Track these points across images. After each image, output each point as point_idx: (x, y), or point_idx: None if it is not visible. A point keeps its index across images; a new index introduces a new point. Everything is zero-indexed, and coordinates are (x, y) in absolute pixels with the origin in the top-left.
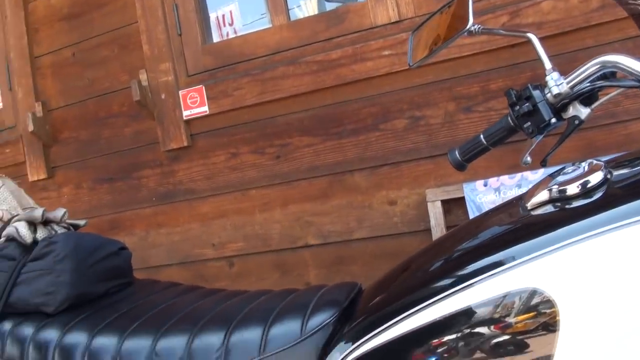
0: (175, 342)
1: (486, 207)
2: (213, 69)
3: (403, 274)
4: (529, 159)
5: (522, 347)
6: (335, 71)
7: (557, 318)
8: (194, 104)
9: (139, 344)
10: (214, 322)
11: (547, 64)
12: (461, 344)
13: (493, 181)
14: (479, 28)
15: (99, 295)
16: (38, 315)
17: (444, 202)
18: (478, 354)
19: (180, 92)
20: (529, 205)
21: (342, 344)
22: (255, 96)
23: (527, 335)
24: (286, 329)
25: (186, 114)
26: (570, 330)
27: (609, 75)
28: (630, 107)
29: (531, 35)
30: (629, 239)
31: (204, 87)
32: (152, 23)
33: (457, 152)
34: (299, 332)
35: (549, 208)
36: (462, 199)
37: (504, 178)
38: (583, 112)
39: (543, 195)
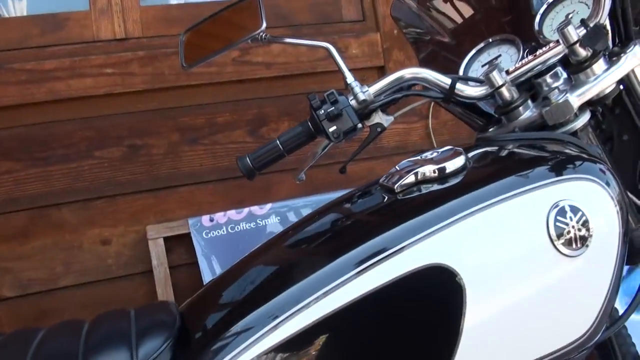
0: None
1: (213, 244)
2: None
3: (249, 274)
4: (303, 175)
5: (431, 326)
6: (48, 84)
7: (462, 288)
8: None
9: None
10: None
11: (348, 74)
12: (364, 332)
13: (220, 216)
14: (267, 35)
15: None
16: None
17: (167, 240)
18: (386, 341)
19: None
20: (397, 187)
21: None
22: None
23: (436, 313)
24: None
25: None
26: (476, 300)
27: (411, 87)
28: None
29: (328, 46)
30: (508, 210)
31: None
32: None
33: (248, 159)
34: None
35: (419, 189)
36: (187, 235)
37: (231, 213)
38: (386, 119)
39: (410, 178)
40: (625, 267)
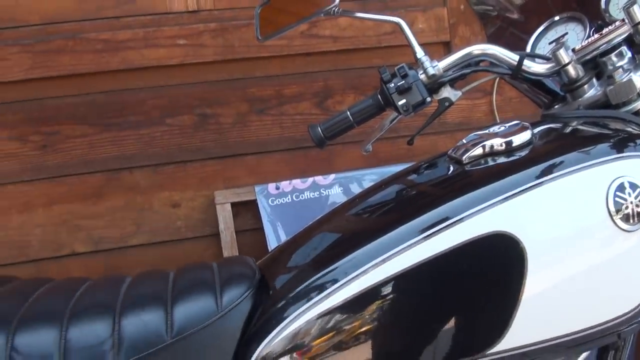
0: (38, 338)
1: (278, 211)
2: None
3: (322, 235)
4: (370, 147)
5: (491, 292)
6: (122, 54)
7: (524, 257)
8: None
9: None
10: (88, 311)
11: (418, 49)
12: (424, 296)
13: (285, 184)
14: (339, 9)
15: None
16: None
17: (234, 205)
18: (445, 305)
19: None
20: (465, 158)
21: (275, 315)
22: (23, 71)
23: (497, 279)
24: (197, 307)
25: None
26: (536, 269)
27: (479, 63)
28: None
29: (399, 21)
30: (570, 184)
31: None
32: None
33: (319, 128)
34: (214, 309)
35: (486, 161)
36: (252, 202)
37: (296, 182)
38: (454, 94)
39: (478, 150)
40: None
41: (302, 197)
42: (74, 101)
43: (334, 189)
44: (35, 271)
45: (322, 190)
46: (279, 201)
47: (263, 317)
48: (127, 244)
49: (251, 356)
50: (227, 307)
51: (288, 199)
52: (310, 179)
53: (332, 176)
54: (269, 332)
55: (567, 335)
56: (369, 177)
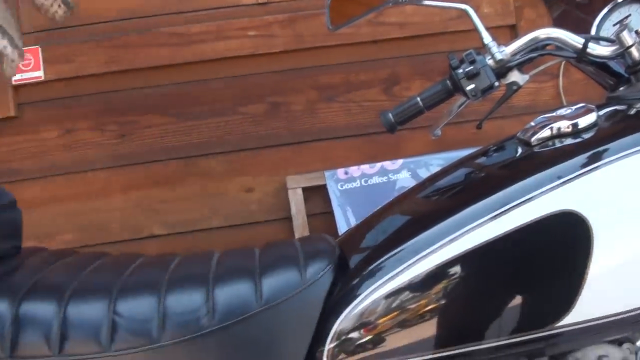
0: (139, 304)
1: (347, 196)
2: (53, 28)
3: (392, 217)
4: (439, 131)
5: (558, 269)
6: (195, 46)
7: (591, 235)
8: (27, 67)
9: (91, 307)
10: (184, 281)
11: (486, 35)
12: (492, 273)
13: (354, 170)
14: None
15: None
16: None
17: (305, 190)
18: (513, 281)
19: None
20: (534, 140)
21: (358, 286)
22: (101, 65)
23: (564, 256)
24: (283, 279)
25: (15, 78)
26: (602, 246)
27: (545, 47)
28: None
29: (467, 7)
30: (635, 164)
31: (40, 49)
32: None
33: (390, 114)
34: (299, 281)
35: (554, 143)
36: (323, 187)
37: (365, 167)
38: (521, 78)
39: (545, 132)
40: None
41: (370, 181)
42: (151, 92)
43: (402, 173)
44: (115, 252)
45: (390, 175)
46: (348, 186)
47: (341, 292)
48: (203, 227)
49: (330, 328)
50: (310, 280)
51: (357, 184)
52: (379, 164)
53: (400, 161)
54: (345, 308)
55: (632, 310)
56: (436, 161)
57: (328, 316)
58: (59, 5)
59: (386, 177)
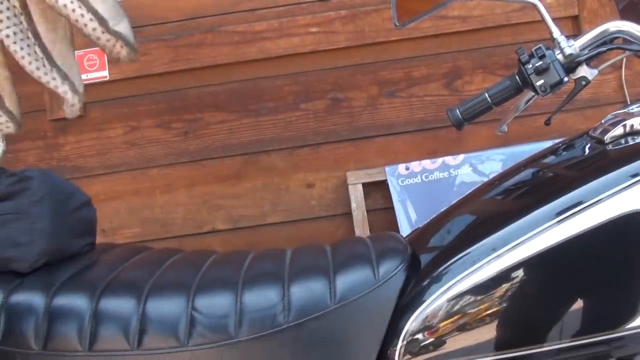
0: (217, 300)
1: (408, 191)
2: None
3: (460, 217)
4: (505, 127)
5: (627, 271)
6: (258, 44)
7: None
8: (92, 67)
9: (170, 303)
10: (260, 279)
11: (555, 29)
12: (558, 277)
13: (415, 165)
14: None
15: (72, 253)
16: (3, 275)
17: (365, 185)
18: (580, 284)
19: (76, 52)
20: (607, 138)
21: (427, 287)
22: (165, 64)
23: (632, 258)
24: (356, 277)
25: (82, 78)
26: None
27: (614, 40)
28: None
29: (536, 2)
30: None
31: None
32: None
33: (458, 111)
34: (372, 279)
35: (627, 140)
36: (383, 182)
37: (426, 162)
38: (590, 73)
39: (619, 130)
40: None
41: (431, 177)
42: (214, 90)
43: (463, 168)
44: (179, 246)
45: (451, 170)
46: (408, 181)
47: (412, 291)
48: (264, 222)
49: (403, 327)
50: (383, 278)
51: (418, 179)
52: (440, 159)
53: (462, 156)
54: (417, 308)
55: None
56: (498, 156)
57: (401, 314)
58: (122, 46)
59: (447, 173)
